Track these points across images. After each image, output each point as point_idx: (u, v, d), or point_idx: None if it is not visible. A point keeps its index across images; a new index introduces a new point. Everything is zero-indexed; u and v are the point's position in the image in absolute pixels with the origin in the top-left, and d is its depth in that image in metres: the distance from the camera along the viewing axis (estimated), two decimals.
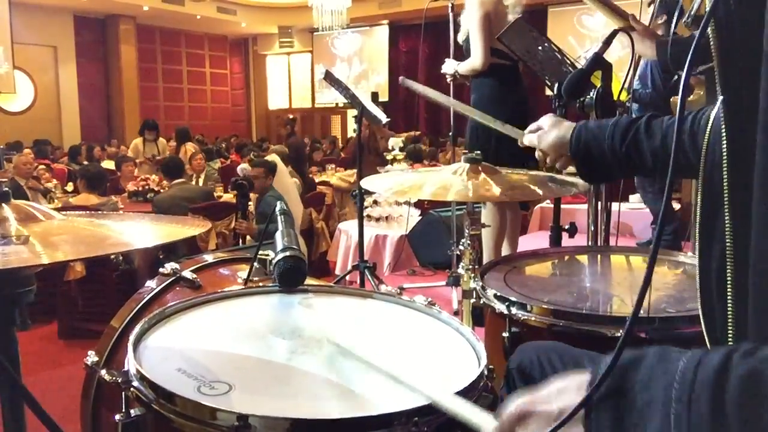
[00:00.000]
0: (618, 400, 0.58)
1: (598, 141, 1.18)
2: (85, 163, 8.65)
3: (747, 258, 0.64)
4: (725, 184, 0.67)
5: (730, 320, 0.67)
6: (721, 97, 0.67)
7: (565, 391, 0.64)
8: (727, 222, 0.68)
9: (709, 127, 0.64)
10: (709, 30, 0.65)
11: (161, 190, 5.75)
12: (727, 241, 0.68)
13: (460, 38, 3.57)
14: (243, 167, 5.28)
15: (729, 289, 0.67)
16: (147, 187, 5.90)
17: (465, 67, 3.46)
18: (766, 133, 0.60)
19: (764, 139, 0.60)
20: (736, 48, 0.65)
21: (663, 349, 0.59)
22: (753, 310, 0.63)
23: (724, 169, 0.67)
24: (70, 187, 6.64)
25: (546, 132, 1.29)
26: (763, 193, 0.61)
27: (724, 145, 0.66)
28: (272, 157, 5.62)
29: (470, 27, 3.37)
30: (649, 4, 3.11)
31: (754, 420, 0.49)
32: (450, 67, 3.59)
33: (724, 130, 0.66)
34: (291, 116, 8.82)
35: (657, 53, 2.15)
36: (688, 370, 0.54)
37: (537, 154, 1.35)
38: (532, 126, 1.38)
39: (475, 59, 3.35)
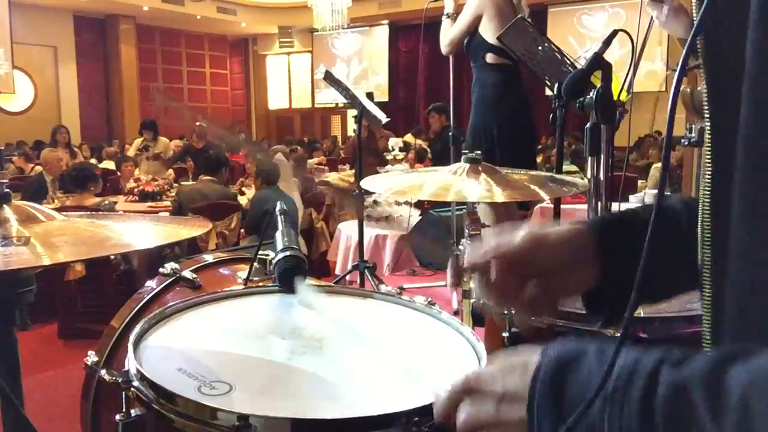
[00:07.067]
0: (558, 395, 0.59)
1: None
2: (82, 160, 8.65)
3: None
4: (707, 214, 0.66)
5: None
6: (707, 116, 0.66)
7: (512, 372, 0.63)
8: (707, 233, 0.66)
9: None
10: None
11: (165, 186, 5.75)
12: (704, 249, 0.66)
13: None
14: None
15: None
16: (156, 189, 5.87)
17: (443, 29, 3.60)
18: (748, 154, 0.59)
19: (746, 160, 0.59)
20: (722, 66, 0.64)
21: (601, 348, 0.60)
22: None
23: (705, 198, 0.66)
24: None
25: None
26: (747, 220, 0.60)
27: (709, 162, 0.65)
28: (276, 156, 5.63)
29: (463, 14, 3.51)
30: None
31: None
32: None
33: (709, 150, 0.64)
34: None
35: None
36: (622, 377, 0.55)
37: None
38: None
39: (446, 39, 3.52)
